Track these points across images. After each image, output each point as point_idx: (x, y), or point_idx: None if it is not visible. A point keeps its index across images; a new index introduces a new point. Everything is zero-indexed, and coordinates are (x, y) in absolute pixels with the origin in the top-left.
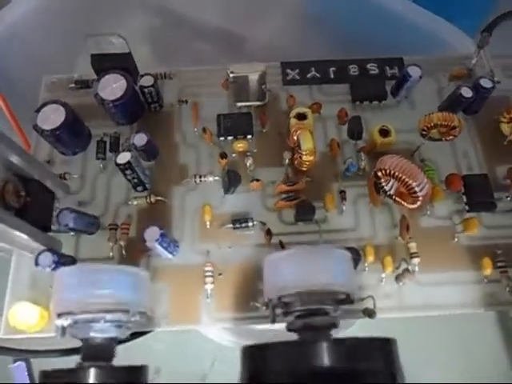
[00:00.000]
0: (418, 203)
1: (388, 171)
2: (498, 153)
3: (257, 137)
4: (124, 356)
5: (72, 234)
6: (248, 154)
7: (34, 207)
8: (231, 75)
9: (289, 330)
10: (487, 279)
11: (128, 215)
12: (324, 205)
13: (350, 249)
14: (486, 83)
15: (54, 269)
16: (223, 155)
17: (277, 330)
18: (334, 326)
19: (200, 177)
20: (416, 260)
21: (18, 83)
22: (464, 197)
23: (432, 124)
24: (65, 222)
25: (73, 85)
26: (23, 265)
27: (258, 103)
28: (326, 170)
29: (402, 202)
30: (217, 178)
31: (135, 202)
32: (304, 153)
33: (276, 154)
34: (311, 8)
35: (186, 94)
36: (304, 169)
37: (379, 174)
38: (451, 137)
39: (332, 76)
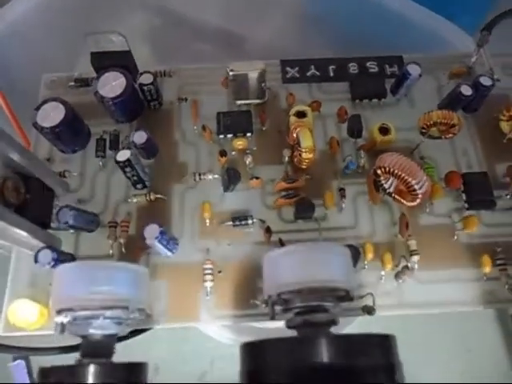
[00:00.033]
0: (418, 201)
1: (387, 169)
2: (497, 151)
3: (256, 135)
4: (123, 354)
5: (72, 231)
6: (247, 151)
7: (33, 204)
8: (231, 73)
9: (288, 326)
10: (486, 277)
11: (128, 213)
12: (323, 202)
13: (349, 246)
14: (485, 81)
15: (53, 266)
16: (223, 153)
17: (276, 328)
18: (334, 322)
19: (200, 175)
20: (415, 257)
21: (18, 81)
22: (463, 195)
23: (431, 122)
24: (64, 219)
25: (72, 83)
26: (23, 262)
27: (257, 101)
28: (325, 167)
29: (402, 200)
30: (216, 175)
31: (135, 200)
32: (303, 151)
33: (275, 151)
34: (311, 8)
35: (185, 92)
36: (303, 167)
37: (379, 171)
38: (451, 135)
39: (332, 74)
